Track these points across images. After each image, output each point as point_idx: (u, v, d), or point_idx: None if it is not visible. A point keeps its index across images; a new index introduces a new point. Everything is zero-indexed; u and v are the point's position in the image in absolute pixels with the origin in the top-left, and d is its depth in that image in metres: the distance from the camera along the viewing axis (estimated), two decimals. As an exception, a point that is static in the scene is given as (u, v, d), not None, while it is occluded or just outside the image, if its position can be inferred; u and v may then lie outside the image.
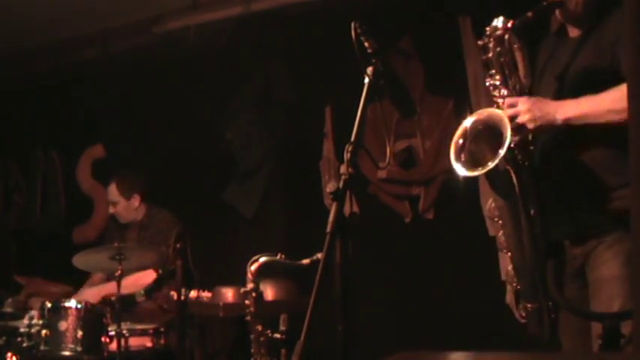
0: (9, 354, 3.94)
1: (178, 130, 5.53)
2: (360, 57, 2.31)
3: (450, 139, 2.55)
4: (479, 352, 1.99)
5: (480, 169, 2.46)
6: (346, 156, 2.19)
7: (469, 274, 4.25)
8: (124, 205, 4.77)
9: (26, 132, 6.52)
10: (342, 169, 2.19)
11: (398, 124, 4.74)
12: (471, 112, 4.17)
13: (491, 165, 2.43)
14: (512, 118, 2.48)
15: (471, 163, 2.50)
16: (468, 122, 2.56)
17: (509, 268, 2.67)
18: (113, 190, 4.78)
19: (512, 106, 2.51)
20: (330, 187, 2.13)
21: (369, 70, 2.33)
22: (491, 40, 2.55)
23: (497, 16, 2.61)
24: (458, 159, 2.50)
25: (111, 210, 4.83)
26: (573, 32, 2.68)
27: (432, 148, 4.65)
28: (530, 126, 2.50)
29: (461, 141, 2.53)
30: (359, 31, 2.32)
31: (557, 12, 2.64)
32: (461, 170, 2.49)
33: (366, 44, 2.33)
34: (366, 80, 2.33)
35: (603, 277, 2.51)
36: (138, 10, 5.49)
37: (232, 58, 5.33)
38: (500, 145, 2.41)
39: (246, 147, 5.34)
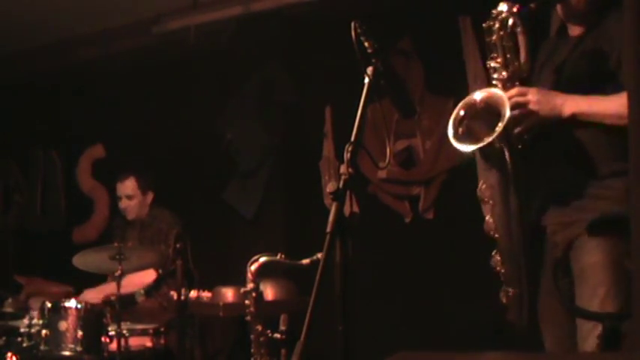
0: (9, 354, 3.94)
1: (178, 130, 5.54)
2: (360, 57, 2.31)
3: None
4: (479, 352, 1.99)
5: (476, 143, 2.48)
6: (346, 156, 2.19)
7: (469, 274, 4.25)
8: (139, 200, 4.80)
9: (26, 132, 6.52)
10: (342, 169, 2.19)
11: (398, 124, 4.74)
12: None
13: (488, 139, 2.43)
14: (520, 106, 2.50)
15: (466, 137, 2.52)
16: (471, 97, 2.57)
17: (494, 253, 2.68)
18: (132, 184, 4.81)
19: (522, 94, 2.53)
20: (330, 187, 2.11)
21: (369, 70, 2.33)
22: (496, 22, 2.57)
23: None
24: (456, 132, 2.52)
25: (123, 204, 4.83)
26: (574, 31, 2.70)
27: (432, 148, 4.65)
28: (537, 116, 2.53)
29: (462, 113, 2.55)
30: (359, 31, 2.32)
31: (558, 7, 2.66)
32: (456, 143, 2.51)
33: (366, 44, 2.33)
34: (366, 80, 2.33)
35: (588, 265, 2.52)
36: (138, 10, 5.50)
37: (232, 58, 5.34)
38: (498, 122, 2.43)
39: (246, 147, 5.34)
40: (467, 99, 2.58)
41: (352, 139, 2.23)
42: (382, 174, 4.66)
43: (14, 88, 6.43)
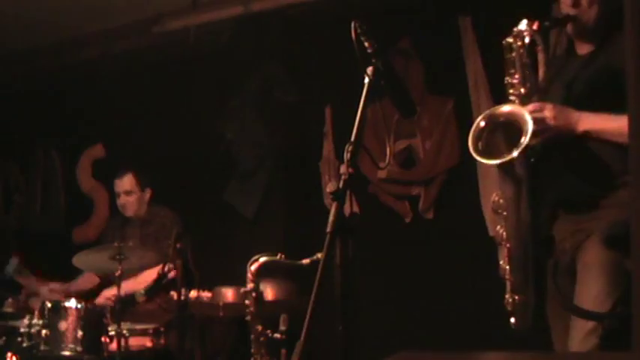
0: (9, 354, 3.95)
1: (178, 130, 5.53)
2: (360, 57, 2.31)
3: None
4: (479, 351, 1.99)
5: (498, 158, 2.52)
6: (346, 156, 2.19)
7: (469, 273, 4.25)
8: (137, 197, 4.79)
9: (26, 132, 6.52)
10: (342, 169, 2.19)
11: (398, 124, 4.74)
12: (471, 112, 4.23)
13: (512, 155, 2.48)
14: (537, 121, 2.54)
15: (485, 151, 2.56)
16: (492, 111, 2.62)
17: (502, 262, 2.69)
18: (130, 181, 4.79)
19: (539, 110, 2.56)
20: (330, 187, 2.11)
21: (369, 70, 2.33)
22: (517, 40, 2.62)
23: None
24: (476, 145, 2.56)
25: (122, 200, 4.80)
26: (582, 49, 2.75)
27: (432, 148, 4.65)
28: (553, 132, 2.57)
29: (482, 124, 2.59)
30: (359, 31, 2.33)
31: (568, 27, 2.70)
32: (476, 155, 2.55)
33: (366, 44, 2.33)
34: (366, 80, 2.33)
35: (587, 264, 2.57)
36: (138, 10, 5.49)
37: (232, 58, 5.34)
38: (519, 138, 2.47)
39: (246, 147, 5.33)
40: (488, 112, 2.63)
41: (352, 139, 2.23)
42: (382, 174, 4.65)
43: (14, 87, 6.43)
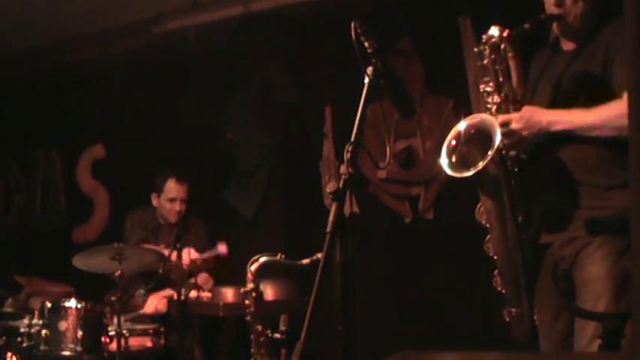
0: (9, 354, 3.95)
1: (178, 130, 5.53)
2: (360, 57, 2.31)
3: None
4: (479, 351, 1.99)
5: (469, 170, 2.50)
6: (346, 156, 2.19)
7: (469, 274, 4.25)
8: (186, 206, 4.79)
9: (26, 132, 6.52)
10: (342, 169, 2.19)
11: (398, 124, 4.74)
12: (470, 113, 4.22)
13: (479, 167, 2.47)
14: (507, 135, 2.53)
15: (461, 164, 2.55)
16: (461, 125, 2.60)
17: (495, 272, 2.69)
18: (187, 190, 4.78)
19: (505, 124, 2.54)
20: (330, 187, 2.12)
21: (369, 70, 2.33)
22: (487, 47, 2.59)
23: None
24: (449, 160, 2.55)
25: (177, 207, 4.72)
26: (567, 46, 2.74)
27: (432, 148, 4.64)
28: (528, 138, 2.58)
29: (454, 142, 2.58)
30: (359, 31, 2.33)
31: (554, 25, 2.68)
32: (449, 171, 2.55)
33: (366, 44, 2.33)
34: (366, 80, 2.33)
35: (591, 277, 2.54)
36: (138, 10, 5.49)
37: (232, 58, 5.34)
38: (490, 148, 2.45)
39: (246, 147, 5.34)
40: (459, 127, 2.61)
41: (352, 139, 2.23)
42: (382, 174, 4.65)
43: (14, 88, 6.43)
